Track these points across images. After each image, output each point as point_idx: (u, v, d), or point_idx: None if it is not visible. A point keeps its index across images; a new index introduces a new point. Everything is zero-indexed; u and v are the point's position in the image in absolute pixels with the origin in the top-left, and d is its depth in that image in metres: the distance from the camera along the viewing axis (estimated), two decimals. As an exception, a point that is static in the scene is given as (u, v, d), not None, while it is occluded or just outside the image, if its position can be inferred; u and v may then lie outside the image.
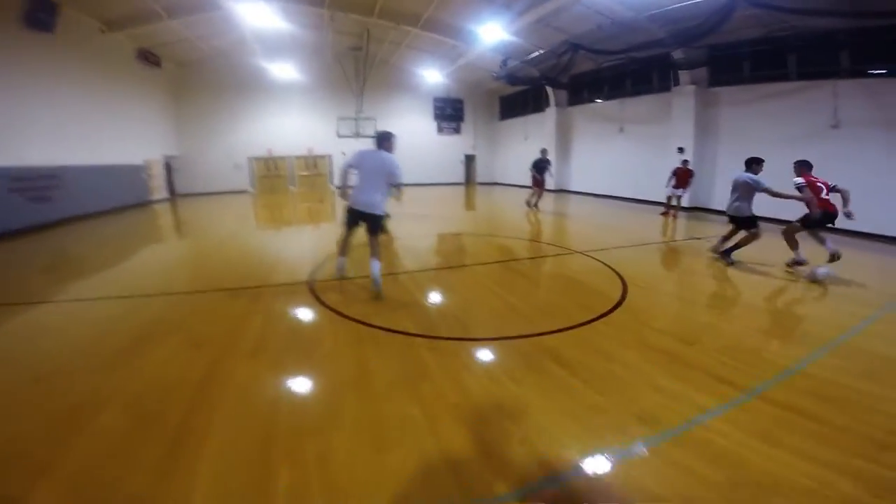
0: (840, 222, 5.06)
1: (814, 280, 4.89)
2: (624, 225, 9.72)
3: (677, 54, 10.74)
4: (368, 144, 4.87)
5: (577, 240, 7.93)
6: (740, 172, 5.55)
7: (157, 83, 15.03)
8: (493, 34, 11.45)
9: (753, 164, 5.45)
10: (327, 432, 2.22)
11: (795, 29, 8.56)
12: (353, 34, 14.97)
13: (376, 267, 4.42)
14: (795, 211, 5.38)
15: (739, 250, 5.70)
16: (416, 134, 20.06)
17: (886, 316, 3.97)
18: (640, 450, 2.07)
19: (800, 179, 5.01)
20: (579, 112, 15.96)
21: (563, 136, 16.53)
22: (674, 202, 10.29)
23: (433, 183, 20.05)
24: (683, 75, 11.19)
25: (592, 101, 15.28)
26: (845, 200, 4.89)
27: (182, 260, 6.91)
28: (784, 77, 9.38)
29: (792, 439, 2.13)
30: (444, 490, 1.84)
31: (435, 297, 4.60)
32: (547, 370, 2.86)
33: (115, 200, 11.65)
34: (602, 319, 3.77)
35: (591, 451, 2.06)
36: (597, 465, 1.99)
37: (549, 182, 11.95)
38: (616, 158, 14.23)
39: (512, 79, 14.75)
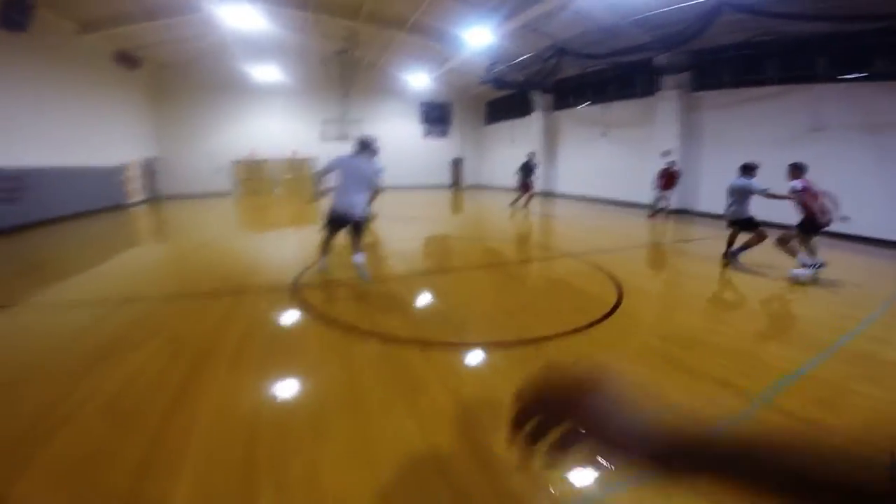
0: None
1: (796, 282, 4.92)
2: (613, 227, 9.73)
3: (661, 59, 10.85)
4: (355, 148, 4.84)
5: (567, 243, 7.88)
6: (735, 178, 5.62)
7: (137, 85, 14.64)
8: (480, 38, 11.41)
9: (748, 170, 5.57)
10: (313, 449, 2.07)
11: (777, 34, 8.72)
12: (339, 37, 14.81)
13: (360, 257, 4.54)
14: (783, 212, 5.40)
15: (746, 252, 5.71)
16: (403, 138, 19.95)
17: (880, 318, 3.97)
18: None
19: (798, 183, 5.03)
20: (565, 116, 16.05)
21: (549, 140, 16.61)
22: (661, 204, 10.35)
23: (420, 186, 19.95)
24: (667, 80, 11.32)
25: (577, 105, 15.38)
26: (835, 205, 4.96)
27: (157, 264, 6.61)
28: (765, 81, 9.53)
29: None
30: (443, 510, 1.70)
31: (426, 302, 4.46)
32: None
33: (89, 203, 11.24)
34: (600, 324, 3.67)
35: (598, 468, 1.93)
36: (605, 482, 1.86)
37: (535, 185, 11.96)
38: (601, 162, 14.32)
39: (498, 83, 14.76)
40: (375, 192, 4.83)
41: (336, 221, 4.51)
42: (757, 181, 5.48)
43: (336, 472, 1.91)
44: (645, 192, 10.99)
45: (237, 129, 17.50)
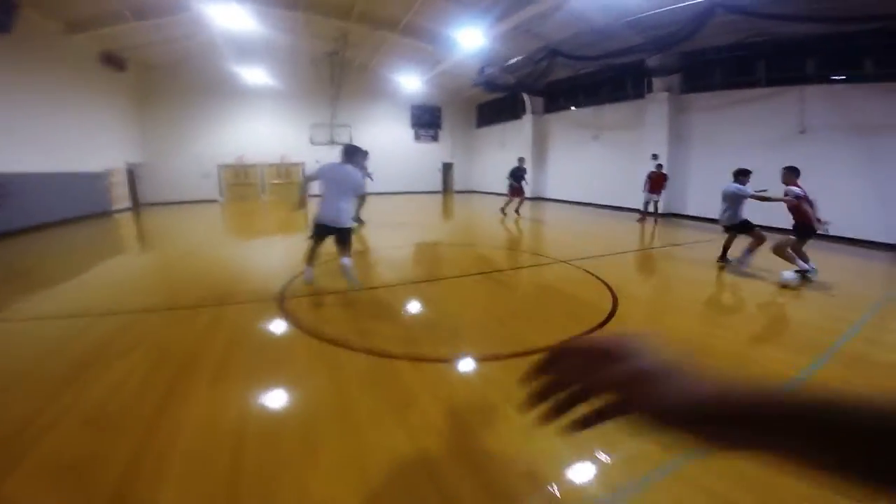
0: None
1: (785, 286, 4.93)
2: (603, 232, 9.73)
3: (652, 61, 10.92)
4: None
5: (558, 248, 7.84)
6: (728, 184, 5.66)
7: (123, 87, 14.36)
8: (472, 40, 11.40)
9: (741, 175, 5.62)
10: (302, 470, 1.97)
11: (766, 36, 8.80)
12: (330, 38, 14.71)
13: (347, 262, 4.51)
14: (769, 214, 5.41)
15: (752, 255, 5.70)
16: (392, 141, 19.84)
17: (871, 321, 3.97)
18: (659, 478, 1.89)
19: (797, 189, 5.06)
20: (555, 119, 16.09)
21: (540, 144, 16.63)
22: (650, 208, 10.39)
23: (410, 191, 19.84)
24: (657, 82, 11.39)
25: (568, 108, 15.44)
26: (814, 210, 5.06)
27: (142, 273, 6.44)
28: (754, 83, 9.63)
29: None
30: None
31: (417, 313, 4.37)
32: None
33: (70, 210, 10.92)
34: (598, 331, 3.62)
35: (609, 487, 1.87)
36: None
37: (526, 190, 11.95)
38: (592, 165, 14.37)
39: (490, 85, 14.76)
40: (362, 199, 4.80)
41: (322, 230, 4.50)
42: (749, 186, 5.54)
43: (324, 479, 1.84)
44: (635, 195, 11.03)
45: (225, 134, 17.25)
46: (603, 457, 2.03)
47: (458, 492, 1.82)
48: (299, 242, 5.86)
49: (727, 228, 5.81)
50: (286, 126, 18.09)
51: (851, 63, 8.00)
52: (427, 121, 20.96)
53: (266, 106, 17.66)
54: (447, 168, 21.85)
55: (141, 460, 1.98)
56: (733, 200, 5.58)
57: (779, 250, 5.24)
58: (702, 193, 10.61)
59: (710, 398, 0.40)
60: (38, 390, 2.65)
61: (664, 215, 11.10)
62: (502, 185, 12.20)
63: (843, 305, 4.40)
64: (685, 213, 11.27)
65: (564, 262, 6.24)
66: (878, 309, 4.30)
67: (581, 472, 1.96)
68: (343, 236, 4.51)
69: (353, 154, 4.70)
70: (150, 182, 15.81)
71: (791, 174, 5.19)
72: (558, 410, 0.47)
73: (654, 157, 11.06)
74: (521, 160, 11.52)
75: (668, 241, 8.56)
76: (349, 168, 4.55)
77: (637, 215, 10.78)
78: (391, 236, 8.77)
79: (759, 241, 5.54)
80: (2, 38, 8.70)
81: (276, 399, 2.62)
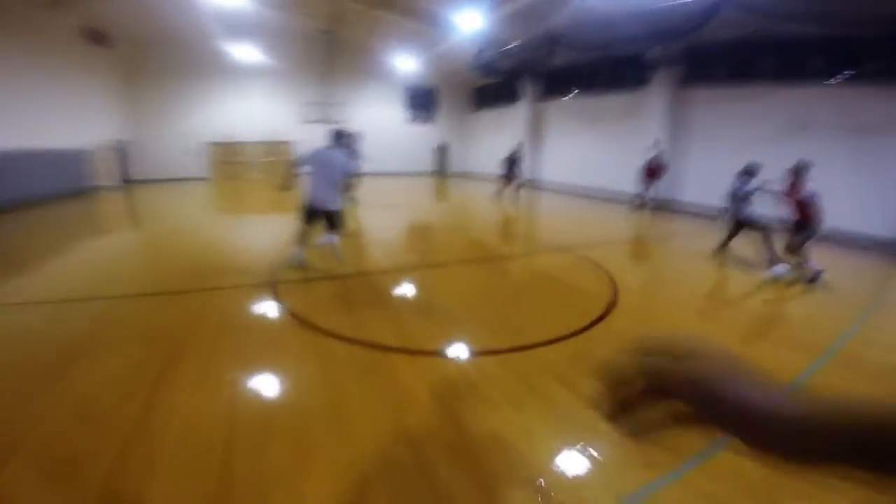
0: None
1: (775, 279, 4.96)
2: (599, 220, 9.69)
3: (653, 52, 10.74)
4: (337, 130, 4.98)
5: (555, 235, 7.78)
6: (733, 181, 5.67)
7: (108, 63, 13.82)
8: (471, 22, 11.11)
9: (747, 172, 5.62)
10: (295, 477, 1.89)
11: (770, 33, 8.67)
12: (325, 16, 14.24)
13: (334, 238, 4.77)
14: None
15: (771, 252, 5.70)
16: (386, 122, 19.52)
17: (870, 320, 3.99)
18: (664, 484, 1.86)
19: (814, 191, 5.03)
20: (553, 106, 15.88)
21: (536, 130, 16.44)
22: (646, 196, 10.37)
23: (404, 172, 19.60)
24: (657, 74, 11.24)
25: (566, 95, 15.22)
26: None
27: (127, 254, 6.23)
28: (755, 79, 9.52)
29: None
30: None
31: (413, 302, 4.29)
32: (549, 392, 2.58)
33: (55, 188, 10.59)
34: (598, 325, 3.58)
35: (614, 494, 1.83)
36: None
37: (521, 176, 11.87)
38: (588, 153, 14.25)
39: (487, 70, 14.45)
40: (354, 180, 5.09)
41: (311, 213, 4.65)
42: (754, 182, 5.55)
43: (316, 472, 1.80)
44: (630, 184, 10.98)
45: (214, 111, 16.78)
46: (602, 458, 2.00)
47: (451, 490, 1.78)
48: (289, 223, 5.72)
49: (733, 224, 5.83)
50: (277, 104, 17.66)
51: (853, 62, 7.92)
52: (422, 102, 20.61)
53: (257, 84, 17.19)
54: (442, 150, 21.58)
55: (130, 452, 1.93)
56: (737, 197, 5.61)
57: (791, 250, 5.28)
58: (698, 184, 10.59)
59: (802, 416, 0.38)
60: (25, 381, 2.55)
61: (660, 205, 11.07)
62: (498, 170, 12.07)
63: (842, 303, 4.43)
64: (681, 202, 11.25)
65: (561, 249, 6.19)
66: (877, 307, 4.34)
67: (581, 472, 1.93)
68: (332, 219, 4.70)
69: (341, 138, 4.87)
70: (140, 159, 15.38)
71: (805, 173, 5.19)
72: (628, 409, 0.46)
73: (657, 142, 10.94)
74: (517, 145, 11.38)
75: (664, 230, 8.55)
76: (336, 153, 4.71)
77: (633, 202, 10.73)
78: (386, 218, 8.64)
79: (767, 234, 5.54)
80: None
81: (266, 385, 2.58)
